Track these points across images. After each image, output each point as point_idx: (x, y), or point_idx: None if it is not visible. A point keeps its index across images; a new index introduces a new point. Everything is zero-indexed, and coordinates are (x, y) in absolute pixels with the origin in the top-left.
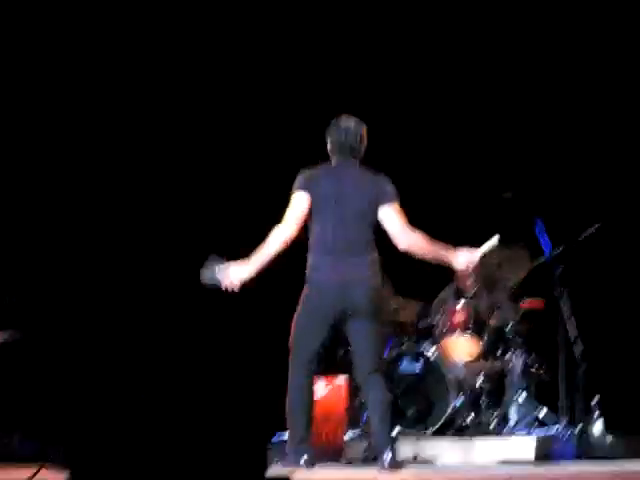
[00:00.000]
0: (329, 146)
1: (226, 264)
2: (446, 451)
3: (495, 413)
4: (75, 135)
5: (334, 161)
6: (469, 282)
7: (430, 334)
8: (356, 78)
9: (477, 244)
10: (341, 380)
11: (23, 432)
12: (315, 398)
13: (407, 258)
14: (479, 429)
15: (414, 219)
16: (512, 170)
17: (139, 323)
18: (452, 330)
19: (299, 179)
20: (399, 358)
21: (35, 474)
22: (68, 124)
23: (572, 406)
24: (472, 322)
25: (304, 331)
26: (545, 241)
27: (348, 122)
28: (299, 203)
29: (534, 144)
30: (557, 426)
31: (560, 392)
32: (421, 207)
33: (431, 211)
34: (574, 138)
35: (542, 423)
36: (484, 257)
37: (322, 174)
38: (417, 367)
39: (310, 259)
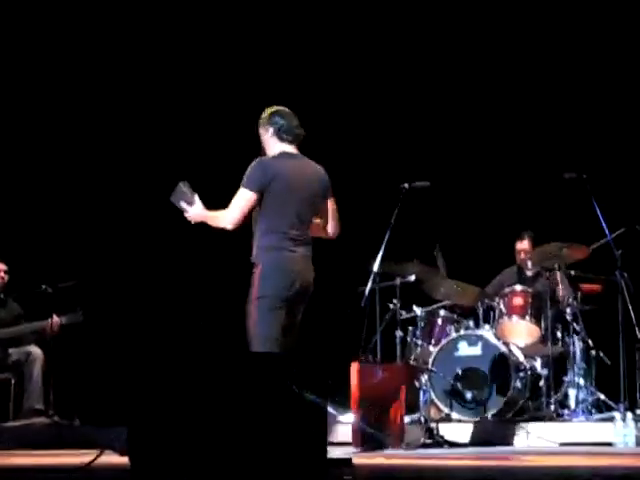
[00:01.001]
0: (274, 133)
1: (194, 197)
2: (505, 434)
3: (554, 396)
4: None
5: (280, 148)
6: (529, 264)
7: (490, 318)
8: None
9: (539, 222)
10: (401, 365)
11: (82, 417)
12: (375, 382)
13: (465, 243)
14: (538, 412)
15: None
16: (574, 151)
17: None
18: (512, 313)
19: (256, 175)
20: (458, 341)
21: (95, 459)
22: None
23: (632, 390)
24: (532, 305)
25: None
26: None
27: (287, 110)
28: (249, 204)
29: (599, 126)
30: (616, 410)
31: (620, 376)
32: (485, 188)
33: (493, 192)
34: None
35: (601, 407)
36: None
37: (279, 163)
38: (476, 350)
39: (265, 241)
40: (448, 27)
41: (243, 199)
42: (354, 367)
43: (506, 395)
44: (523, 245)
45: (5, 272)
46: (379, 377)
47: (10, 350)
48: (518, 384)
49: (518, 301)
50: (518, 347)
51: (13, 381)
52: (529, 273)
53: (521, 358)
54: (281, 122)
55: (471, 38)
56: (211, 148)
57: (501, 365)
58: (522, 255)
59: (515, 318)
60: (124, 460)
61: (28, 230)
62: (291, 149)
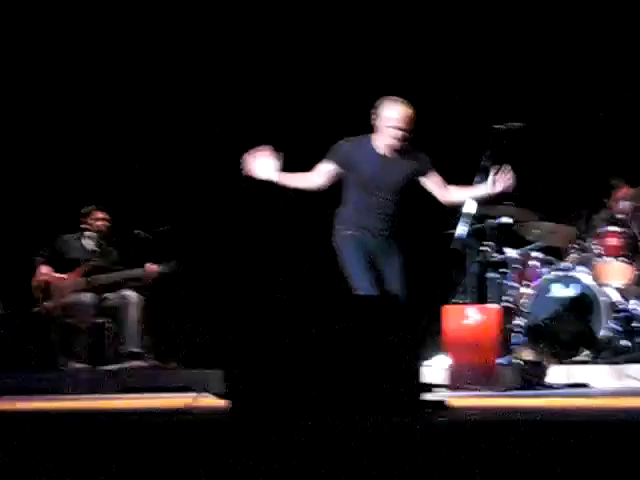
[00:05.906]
0: None
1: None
2: (599, 376)
3: None
4: None
5: None
6: (622, 206)
7: (584, 259)
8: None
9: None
10: (494, 307)
11: (180, 361)
12: (468, 324)
13: (558, 184)
14: (632, 354)
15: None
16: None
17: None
18: (606, 255)
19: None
20: (552, 283)
21: (194, 401)
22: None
23: None
24: (627, 247)
25: None
26: None
27: None
28: None
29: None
30: None
31: None
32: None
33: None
34: None
35: None
36: None
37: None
38: (570, 292)
39: None
40: None
41: None
42: (446, 310)
43: (600, 336)
44: (622, 193)
45: (107, 220)
46: (471, 320)
47: (105, 295)
48: (613, 325)
49: (613, 242)
50: (613, 288)
51: (109, 325)
52: (620, 216)
53: (615, 299)
54: None
55: None
56: None
57: (596, 306)
58: (619, 203)
59: (610, 259)
60: (222, 403)
61: (126, 176)
62: None
